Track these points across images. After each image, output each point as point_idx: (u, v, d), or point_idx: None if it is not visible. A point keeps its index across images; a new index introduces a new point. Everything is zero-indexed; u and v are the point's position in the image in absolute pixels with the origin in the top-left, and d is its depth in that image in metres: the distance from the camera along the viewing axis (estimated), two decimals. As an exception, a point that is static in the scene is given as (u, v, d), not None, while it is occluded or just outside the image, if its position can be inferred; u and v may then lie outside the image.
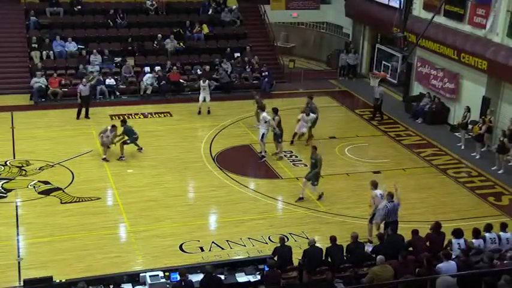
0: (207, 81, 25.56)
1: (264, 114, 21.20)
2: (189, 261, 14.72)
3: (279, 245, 13.61)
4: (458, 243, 13.25)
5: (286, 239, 14.52)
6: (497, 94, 22.62)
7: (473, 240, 13.46)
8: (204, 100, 25.18)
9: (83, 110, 24.30)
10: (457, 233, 13.47)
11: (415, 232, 13.77)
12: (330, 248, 13.45)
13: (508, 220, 16.36)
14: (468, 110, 22.82)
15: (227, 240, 15.97)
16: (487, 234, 13.66)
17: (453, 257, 12.51)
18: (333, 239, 13.52)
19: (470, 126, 22.73)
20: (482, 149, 22.06)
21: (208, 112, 25.36)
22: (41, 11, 29.63)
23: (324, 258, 13.32)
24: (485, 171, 20.86)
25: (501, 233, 13.80)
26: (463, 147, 22.77)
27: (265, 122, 20.96)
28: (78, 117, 24.23)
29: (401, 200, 15.52)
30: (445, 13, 24.78)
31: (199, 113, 25.28)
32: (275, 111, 21.46)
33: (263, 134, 20.96)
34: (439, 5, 23.89)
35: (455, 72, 24.66)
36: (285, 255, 13.27)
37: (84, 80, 24.81)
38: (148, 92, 26.98)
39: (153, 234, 16.25)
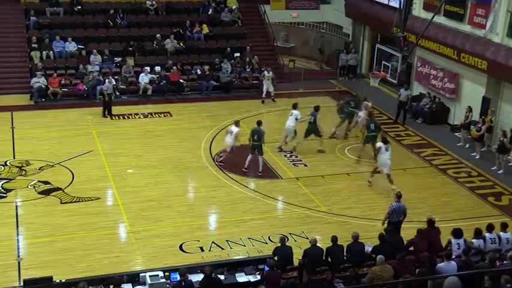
0: (271, 71, 26.97)
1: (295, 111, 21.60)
2: (189, 261, 14.71)
3: (279, 245, 13.61)
4: (458, 243, 13.26)
5: (286, 239, 14.52)
6: (497, 94, 22.61)
7: (474, 240, 13.47)
8: (268, 90, 26.72)
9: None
10: (457, 233, 13.46)
11: (419, 232, 13.83)
12: (330, 248, 13.45)
13: (508, 220, 16.32)
14: (470, 110, 22.79)
15: (227, 240, 15.97)
16: (487, 235, 13.67)
17: (453, 257, 12.51)
18: (334, 239, 13.52)
19: (472, 127, 22.72)
20: (482, 149, 22.07)
21: (273, 100, 26.94)
22: (41, 11, 29.61)
23: (324, 258, 13.32)
24: (485, 171, 20.87)
25: (501, 233, 13.80)
26: (467, 146, 22.73)
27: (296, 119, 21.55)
28: (104, 114, 24.59)
29: (402, 201, 15.52)
30: (445, 13, 24.78)
31: (263, 102, 26.82)
32: (316, 109, 21.84)
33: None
34: (439, 5, 23.89)
35: (455, 72, 24.66)
36: (286, 255, 13.26)
37: (106, 79, 25.33)
38: (149, 92, 27.01)
39: (153, 234, 16.25)
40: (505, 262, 12.20)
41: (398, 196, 15.39)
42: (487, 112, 22.42)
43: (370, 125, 21.06)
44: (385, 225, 15.37)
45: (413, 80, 27.62)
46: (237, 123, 20.55)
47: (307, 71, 32.22)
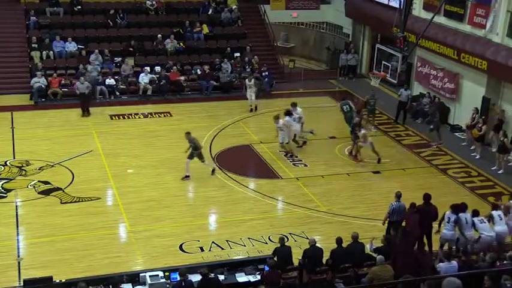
0: (253, 79, 25.86)
1: (287, 118, 21.25)
2: (189, 261, 14.71)
3: (279, 245, 13.60)
4: (449, 218, 14.26)
5: (286, 239, 14.53)
6: (497, 94, 22.60)
7: (460, 214, 14.44)
8: (251, 99, 25.87)
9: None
10: (454, 208, 14.57)
11: (412, 205, 14.49)
12: (335, 251, 13.39)
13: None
14: (477, 111, 22.69)
15: (227, 240, 15.97)
16: (474, 219, 14.32)
17: (445, 227, 13.28)
18: (338, 240, 13.47)
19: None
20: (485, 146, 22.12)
21: (256, 109, 25.92)
22: (41, 11, 29.62)
23: (328, 259, 13.29)
24: (485, 171, 20.86)
25: (492, 212, 14.77)
26: (471, 147, 22.64)
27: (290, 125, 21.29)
28: (83, 114, 24.57)
29: (402, 200, 15.53)
30: (445, 13, 24.79)
31: (251, 110, 25.87)
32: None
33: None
34: (439, 5, 23.90)
35: (455, 72, 24.66)
36: (285, 255, 13.25)
37: (81, 78, 25.14)
38: (149, 92, 27.02)
39: (153, 234, 16.26)
40: (505, 262, 12.22)
41: (398, 196, 15.42)
42: (487, 112, 22.42)
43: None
44: (386, 225, 15.40)
45: (413, 80, 27.61)
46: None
47: (307, 71, 32.21)
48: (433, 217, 14.96)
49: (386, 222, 15.47)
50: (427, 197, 15.11)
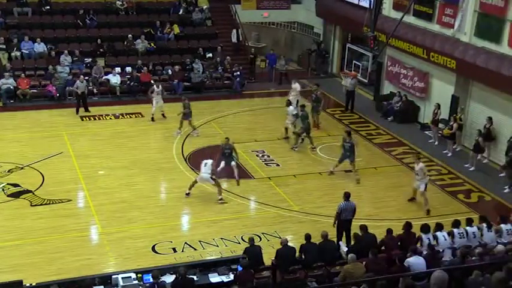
0: (160, 85, 24.85)
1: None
2: (162, 262, 14.62)
3: (249, 245, 13.61)
4: (428, 238, 13.60)
5: (259, 239, 14.52)
6: (466, 92, 22.90)
7: (437, 233, 13.82)
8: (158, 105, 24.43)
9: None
10: (426, 229, 13.80)
11: (389, 231, 13.98)
12: (304, 246, 13.49)
13: (476, 217, 16.54)
14: (438, 107, 23.05)
15: (200, 241, 15.93)
16: (455, 230, 14.03)
17: (424, 253, 12.71)
18: (307, 236, 13.57)
19: (441, 125, 23.00)
20: (454, 146, 22.35)
21: (164, 116, 24.70)
22: (8, 11, 29.18)
23: (298, 253, 13.36)
24: (455, 169, 21.10)
25: (467, 228, 14.14)
26: (436, 143, 23.04)
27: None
28: (77, 112, 24.74)
29: (375, 199, 15.63)
30: (414, 13, 25.04)
31: (153, 119, 24.41)
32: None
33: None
34: (409, 4, 24.14)
35: (425, 71, 24.92)
36: (255, 255, 13.26)
37: (81, 76, 25.21)
38: (117, 92, 26.82)
39: (125, 235, 16.14)
40: (473, 258, 12.40)
41: (347, 196, 15.52)
42: (456, 110, 22.70)
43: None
44: (336, 225, 15.48)
45: (383, 79, 27.84)
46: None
47: (279, 71, 32.21)
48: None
49: (337, 221, 15.55)
50: (408, 226, 14.33)
